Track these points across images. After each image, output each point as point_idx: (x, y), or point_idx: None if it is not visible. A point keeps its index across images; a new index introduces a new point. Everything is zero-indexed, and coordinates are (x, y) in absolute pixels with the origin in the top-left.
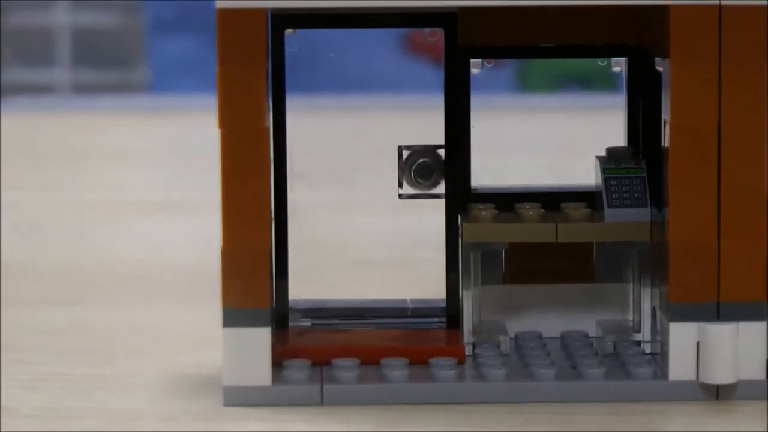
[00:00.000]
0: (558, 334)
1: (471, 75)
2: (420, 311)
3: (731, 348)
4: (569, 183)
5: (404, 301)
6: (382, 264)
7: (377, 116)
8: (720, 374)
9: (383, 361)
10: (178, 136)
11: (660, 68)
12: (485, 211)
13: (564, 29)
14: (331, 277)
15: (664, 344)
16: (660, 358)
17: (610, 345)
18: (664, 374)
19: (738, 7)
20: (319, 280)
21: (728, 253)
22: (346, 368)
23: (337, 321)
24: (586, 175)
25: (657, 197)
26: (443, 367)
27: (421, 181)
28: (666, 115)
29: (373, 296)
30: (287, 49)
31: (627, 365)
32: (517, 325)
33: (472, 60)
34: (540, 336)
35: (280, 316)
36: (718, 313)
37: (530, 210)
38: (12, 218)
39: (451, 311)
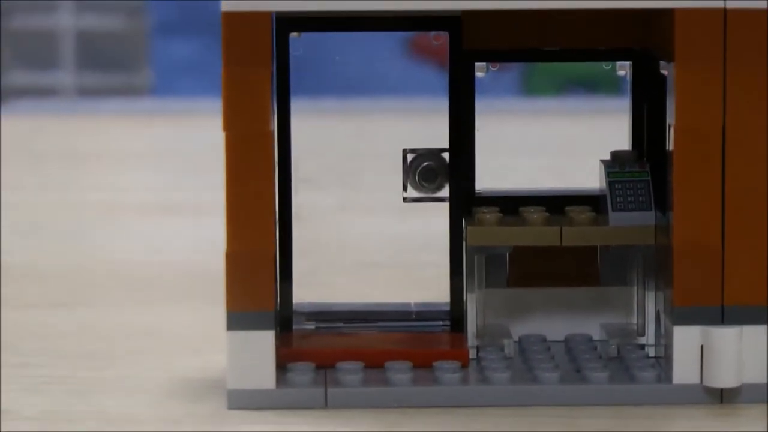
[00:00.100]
0: (562, 338)
1: (476, 78)
2: (424, 314)
3: (735, 351)
4: (574, 186)
5: (408, 304)
6: (387, 267)
7: (382, 119)
8: (724, 378)
9: (387, 364)
10: (181, 139)
11: (665, 72)
12: (490, 215)
13: (568, 33)
14: (335, 280)
15: (668, 348)
16: (664, 361)
17: (614, 348)
18: (668, 378)
19: (742, 10)
20: (324, 283)
21: (732, 257)
22: (350, 371)
23: (341, 324)
24: (591, 178)
25: (661, 201)
26: (447, 371)
27: (425, 184)
28: (671, 118)
29: (377, 299)
30: (292, 52)
31: (631, 369)
32: (521, 329)
33: (476, 63)
34: (544, 339)
35: (284, 319)
36: (723, 317)
37: (534, 213)
38: (14, 220)
39: (455, 314)
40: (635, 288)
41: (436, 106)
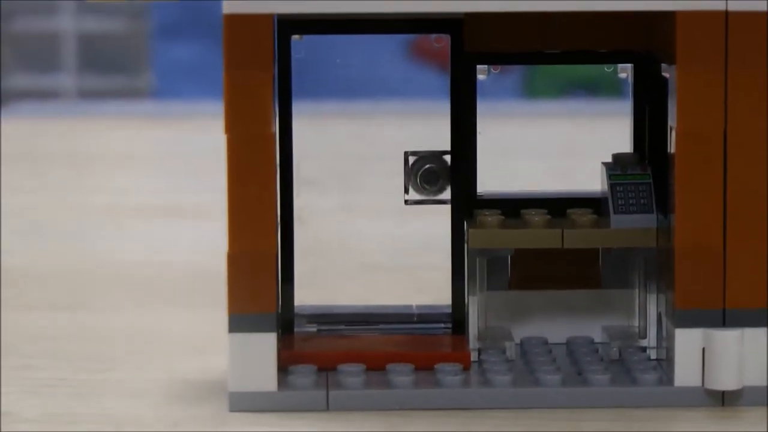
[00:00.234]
0: (564, 340)
1: (477, 81)
2: (426, 317)
3: (737, 354)
4: (575, 189)
5: (410, 306)
6: (388, 269)
7: (383, 122)
8: (725, 380)
9: (389, 366)
10: (182, 141)
11: (666, 74)
12: (491, 217)
13: (570, 35)
14: (336, 282)
15: (670, 350)
16: (665, 364)
17: (616, 351)
18: (670, 380)
19: (744, 13)
20: (325, 285)
21: (734, 260)
22: (352, 374)
23: (343, 326)
24: (592, 181)
25: (663, 203)
26: (449, 373)
27: (427, 186)
28: (672, 121)
29: (379, 302)
30: (293, 54)
31: (632, 371)
32: (522, 331)
33: (478, 66)
34: (545, 342)
35: (285, 321)
36: (724, 320)
37: (536, 216)
38: (15, 222)
39: (457, 317)
40: (637, 290)
41: (437, 108)
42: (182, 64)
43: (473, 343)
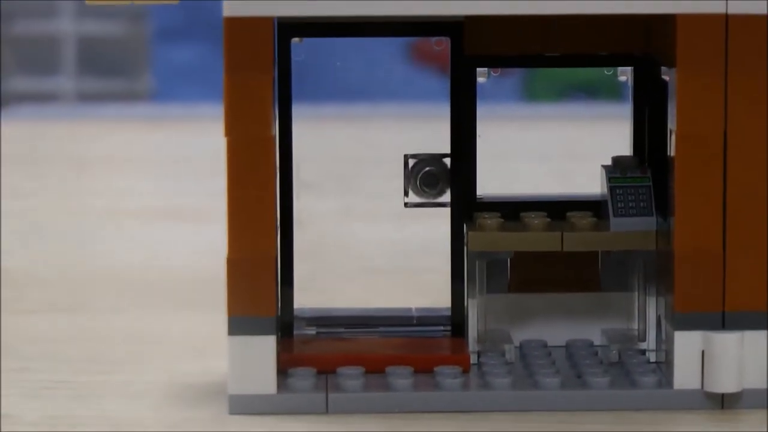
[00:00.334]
0: (563, 343)
1: (477, 84)
2: (425, 320)
3: (736, 357)
4: (575, 192)
5: (409, 309)
6: (388, 272)
7: (383, 125)
8: (725, 383)
9: (388, 369)
10: (182, 144)
11: (666, 77)
12: (491, 220)
13: (570, 38)
14: (336, 285)
15: (669, 353)
16: (665, 366)
17: (615, 354)
18: (669, 383)
19: (744, 16)
20: (325, 288)
21: (734, 263)
22: (351, 376)
23: (342, 329)
24: (592, 184)
25: (663, 206)
26: (448, 376)
27: (426, 189)
28: (672, 124)
29: (378, 305)
30: (294, 57)
31: (632, 374)
32: (522, 334)
33: (478, 69)
34: (545, 345)
35: (285, 324)
36: (723, 322)
37: (536, 219)
38: (15, 225)
39: (456, 320)
40: (636, 293)
41: (437, 111)
42: (182, 66)
43: (472, 345)
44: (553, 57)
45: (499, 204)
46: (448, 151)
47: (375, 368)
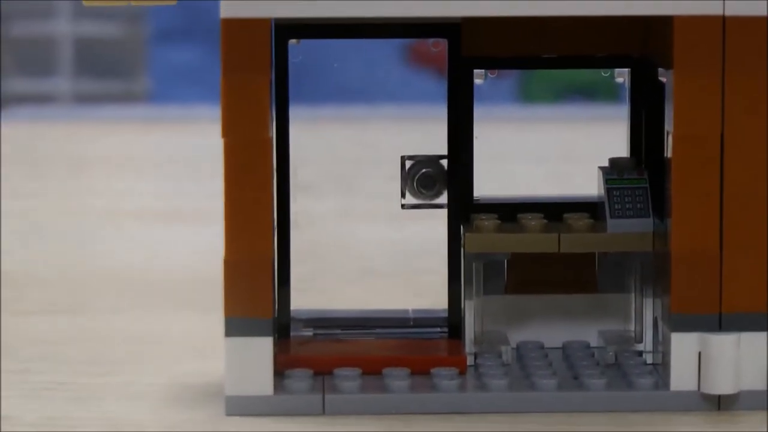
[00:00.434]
0: (560, 344)
1: (474, 85)
2: (422, 321)
3: (733, 358)
4: (572, 193)
5: (406, 311)
6: (385, 274)
7: (380, 126)
8: (721, 384)
9: (385, 370)
10: (180, 146)
11: (663, 79)
12: (488, 221)
13: (567, 40)
14: (333, 286)
15: (666, 354)
16: (661, 368)
17: (612, 355)
18: (666, 384)
19: (741, 18)
20: (322, 289)
21: (730, 264)
22: (348, 378)
23: (339, 331)
24: (589, 185)
25: (659, 208)
26: (445, 377)
27: (423, 191)
28: (669, 125)
29: (375, 306)
30: (291, 59)
31: (629, 375)
32: (518, 335)
33: (475, 70)
34: (542, 346)
35: (282, 325)
36: (720, 324)
37: (533, 220)
38: (13, 226)
39: (453, 321)
40: (633, 295)
41: (434, 112)
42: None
43: (469, 347)
44: (550, 58)
45: (496, 205)
46: (445, 152)
47: (372, 370)
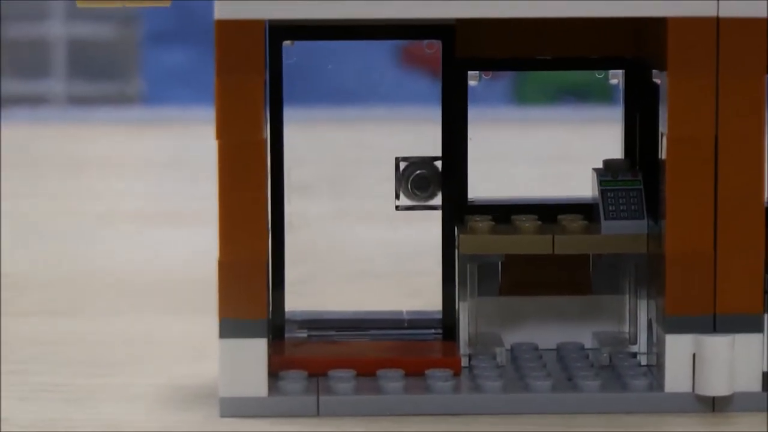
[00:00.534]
0: (554, 346)
1: (468, 87)
2: (416, 323)
3: (727, 360)
4: (566, 195)
5: (400, 312)
6: (379, 275)
7: (374, 128)
8: (716, 386)
9: (379, 372)
10: (173, 147)
11: (657, 80)
12: (482, 223)
13: (561, 41)
14: (327, 288)
15: (660, 356)
16: (656, 369)
17: (606, 357)
18: (660, 386)
19: (736, 19)
20: (316, 291)
21: (725, 266)
22: (342, 379)
23: (334, 332)
24: (583, 187)
25: (654, 209)
26: (439, 379)
27: (418, 192)
28: (663, 127)
29: (370, 307)
30: (285, 60)
31: (623, 377)
32: (513, 337)
33: (469, 72)
34: (536, 348)
35: (276, 327)
36: (715, 325)
37: (527, 222)
38: (8, 228)
39: (448, 323)
40: (627, 296)
41: (428, 114)
42: (173, 69)
43: (464, 348)
44: (545, 60)
45: (490, 207)
46: (439, 154)
47: (366, 371)
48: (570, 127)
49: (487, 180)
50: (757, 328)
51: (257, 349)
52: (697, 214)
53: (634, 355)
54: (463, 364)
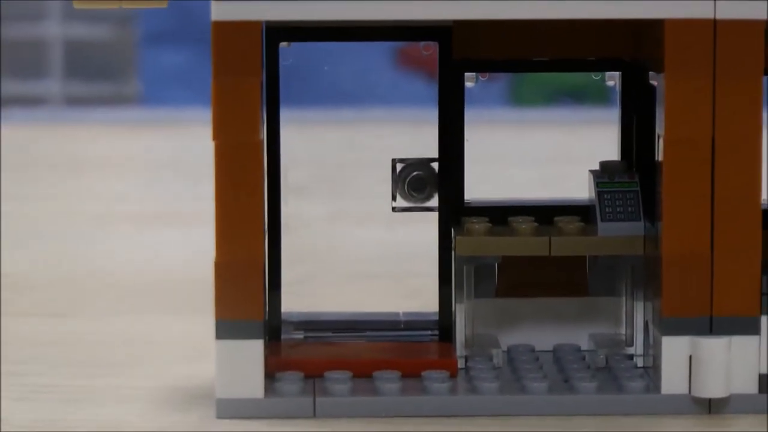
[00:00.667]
0: (550, 348)
1: (465, 88)
2: (413, 324)
3: (724, 362)
4: (563, 197)
5: (397, 314)
6: (375, 277)
7: (371, 129)
8: (712, 388)
9: (376, 373)
10: (170, 148)
11: (654, 82)
12: (478, 225)
13: (558, 43)
14: (324, 289)
15: (657, 358)
16: (652, 371)
17: (603, 358)
18: (657, 388)
19: (732, 21)
20: (312, 292)
21: (722, 267)
22: (339, 381)
23: (330, 333)
24: (580, 188)
25: (650, 211)
26: (436, 380)
27: (414, 194)
28: (660, 129)
29: (366, 309)
30: (282, 61)
31: (619, 379)
32: (509, 339)
33: (466, 73)
34: (532, 349)
35: (272, 328)
36: (711, 327)
37: (523, 223)
38: (7, 229)
39: (444, 324)
40: (624, 298)
41: (425, 115)
42: (170, 70)
43: (460, 350)
44: (542, 62)
45: (486, 209)
46: (436, 155)
47: (362, 372)
48: (567, 128)
49: (484, 181)
50: (754, 330)
51: (254, 350)
52: (694, 216)
53: (631, 356)
54: (459, 366)
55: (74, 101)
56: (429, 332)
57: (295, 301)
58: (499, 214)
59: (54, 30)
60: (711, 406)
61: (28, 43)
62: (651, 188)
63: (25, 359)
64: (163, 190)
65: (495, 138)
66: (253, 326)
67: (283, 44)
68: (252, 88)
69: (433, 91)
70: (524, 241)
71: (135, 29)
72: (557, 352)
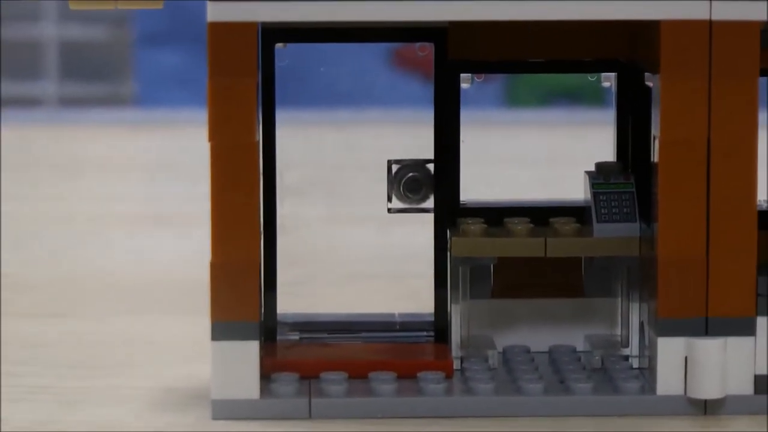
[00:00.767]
0: (546, 349)
1: (461, 89)
2: (408, 325)
3: (719, 363)
4: (558, 198)
5: (392, 315)
6: (371, 278)
7: (367, 130)
8: (708, 389)
9: (371, 374)
10: (166, 149)
11: (650, 83)
12: (474, 226)
13: (553, 44)
14: (319, 290)
15: (652, 359)
16: (648, 372)
17: (598, 359)
18: (652, 389)
19: (728, 22)
20: (308, 293)
21: (717, 269)
22: (334, 382)
23: (326, 335)
24: (575, 190)
25: (646, 212)
26: (431, 381)
27: (410, 195)
28: (655, 130)
29: (362, 310)
30: (277, 62)
31: (615, 380)
32: (505, 340)
33: (461, 74)
34: (528, 350)
35: (268, 329)
36: (707, 328)
37: (519, 224)
38: (6, 229)
39: (440, 325)
40: (619, 299)
41: (420, 117)
42: (166, 71)
43: (456, 351)
44: (537, 63)
45: (482, 210)
46: (431, 156)
47: (358, 373)
48: (562, 129)
49: (480, 183)
50: (749, 331)
51: (249, 351)
52: (690, 217)
53: (626, 357)
54: (455, 367)
55: (70, 102)
56: (424, 333)
57: (290, 302)
58: (495, 215)
59: (50, 31)
60: (706, 407)
61: (23, 44)
62: (647, 189)
63: (24, 360)
64: (158, 191)
65: (490, 139)
66: (248, 327)
67: (278, 45)
68: (248, 89)
69: (429, 92)
70: (520, 242)
71: (131, 30)
72: (553, 353)
